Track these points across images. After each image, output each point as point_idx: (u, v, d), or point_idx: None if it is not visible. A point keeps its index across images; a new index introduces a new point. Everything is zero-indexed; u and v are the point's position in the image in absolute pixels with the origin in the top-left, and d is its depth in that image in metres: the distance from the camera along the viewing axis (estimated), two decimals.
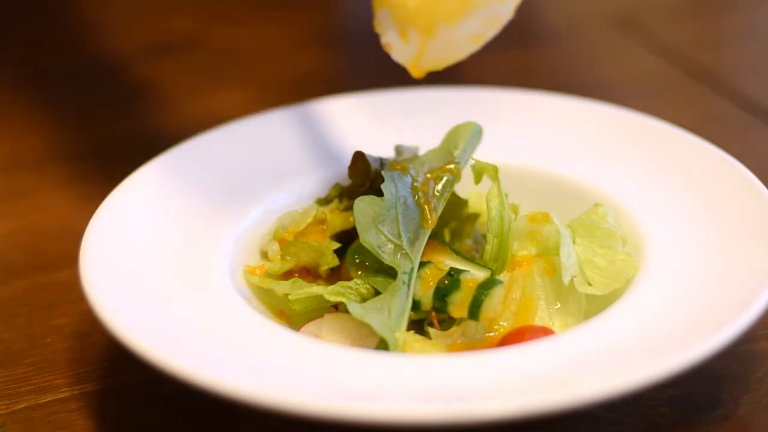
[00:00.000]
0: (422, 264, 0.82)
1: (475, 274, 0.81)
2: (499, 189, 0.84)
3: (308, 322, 0.82)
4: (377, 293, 0.81)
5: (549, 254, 0.83)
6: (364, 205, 0.82)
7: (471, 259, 0.84)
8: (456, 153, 0.87)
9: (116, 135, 1.24)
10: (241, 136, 0.99)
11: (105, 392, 0.82)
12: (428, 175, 0.86)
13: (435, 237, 0.84)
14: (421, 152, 0.90)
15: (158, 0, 1.65)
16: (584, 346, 0.73)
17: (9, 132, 1.26)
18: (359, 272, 0.83)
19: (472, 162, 0.86)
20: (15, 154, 1.21)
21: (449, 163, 0.86)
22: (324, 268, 0.86)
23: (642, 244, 0.84)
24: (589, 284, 0.82)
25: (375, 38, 0.80)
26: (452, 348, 0.79)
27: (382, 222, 0.82)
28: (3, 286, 0.96)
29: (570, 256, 0.82)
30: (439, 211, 0.84)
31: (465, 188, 0.89)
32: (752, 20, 1.53)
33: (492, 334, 0.80)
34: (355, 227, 0.83)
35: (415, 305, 0.80)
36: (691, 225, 0.84)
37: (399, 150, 0.90)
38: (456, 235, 0.90)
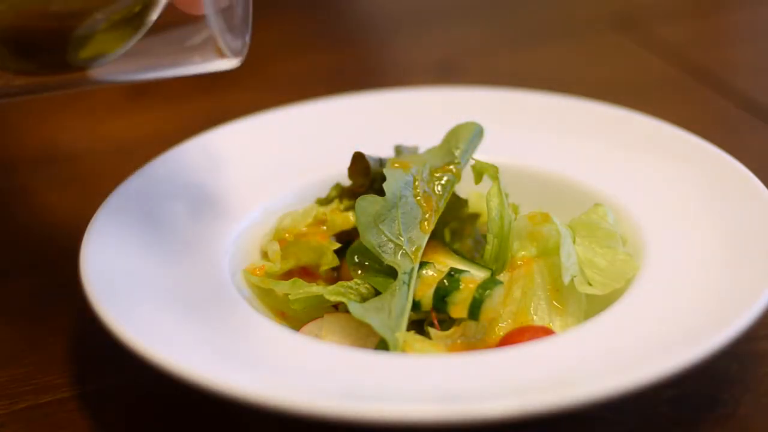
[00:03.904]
0: (422, 264, 0.82)
1: (475, 275, 0.81)
2: (499, 189, 0.84)
3: (308, 322, 0.82)
4: (377, 293, 0.80)
5: (549, 254, 0.83)
6: (366, 204, 0.82)
7: (471, 260, 0.83)
8: (457, 153, 0.87)
9: (114, 134, 1.24)
10: (241, 135, 0.99)
11: (105, 392, 0.82)
12: (429, 176, 0.86)
13: (435, 237, 0.84)
14: (421, 152, 0.90)
15: None
16: (584, 346, 0.73)
17: (9, 132, 1.26)
18: (359, 272, 0.83)
19: (472, 162, 0.86)
20: (16, 153, 1.21)
21: (450, 163, 0.86)
22: (324, 268, 0.86)
23: (642, 244, 0.84)
24: (589, 284, 0.82)
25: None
26: (452, 348, 0.79)
27: (383, 221, 0.82)
28: (3, 286, 0.96)
29: (570, 256, 0.82)
30: (440, 211, 0.84)
31: (465, 188, 0.89)
32: (752, 20, 1.53)
33: (502, 328, 0.80)
34: (355, 227, 0.83)
35: (415, 305, 0.80)
36: (691, 225, 0.84)
37: (399, 150, 0.90)
38: (456, 235, 0.90)
